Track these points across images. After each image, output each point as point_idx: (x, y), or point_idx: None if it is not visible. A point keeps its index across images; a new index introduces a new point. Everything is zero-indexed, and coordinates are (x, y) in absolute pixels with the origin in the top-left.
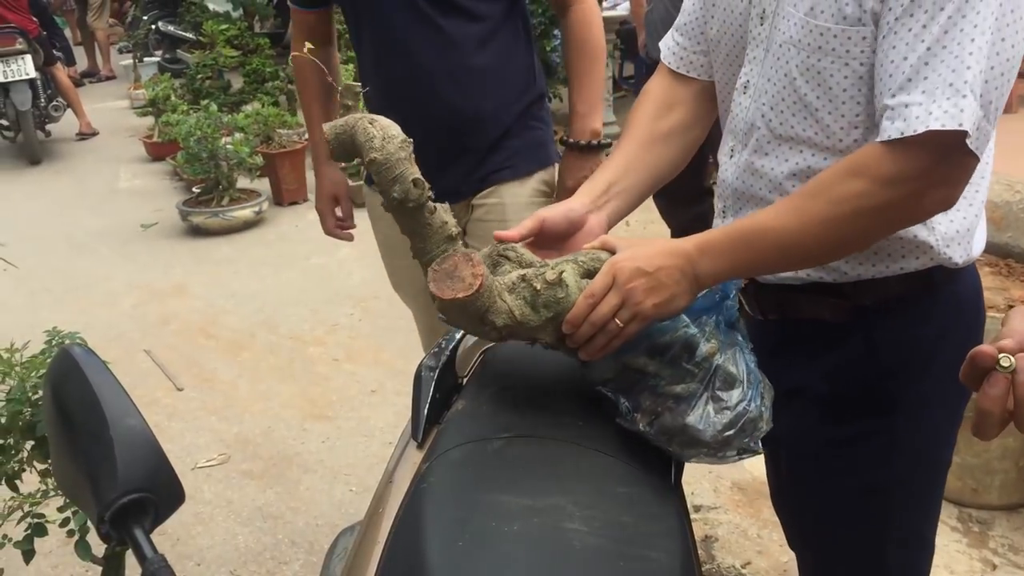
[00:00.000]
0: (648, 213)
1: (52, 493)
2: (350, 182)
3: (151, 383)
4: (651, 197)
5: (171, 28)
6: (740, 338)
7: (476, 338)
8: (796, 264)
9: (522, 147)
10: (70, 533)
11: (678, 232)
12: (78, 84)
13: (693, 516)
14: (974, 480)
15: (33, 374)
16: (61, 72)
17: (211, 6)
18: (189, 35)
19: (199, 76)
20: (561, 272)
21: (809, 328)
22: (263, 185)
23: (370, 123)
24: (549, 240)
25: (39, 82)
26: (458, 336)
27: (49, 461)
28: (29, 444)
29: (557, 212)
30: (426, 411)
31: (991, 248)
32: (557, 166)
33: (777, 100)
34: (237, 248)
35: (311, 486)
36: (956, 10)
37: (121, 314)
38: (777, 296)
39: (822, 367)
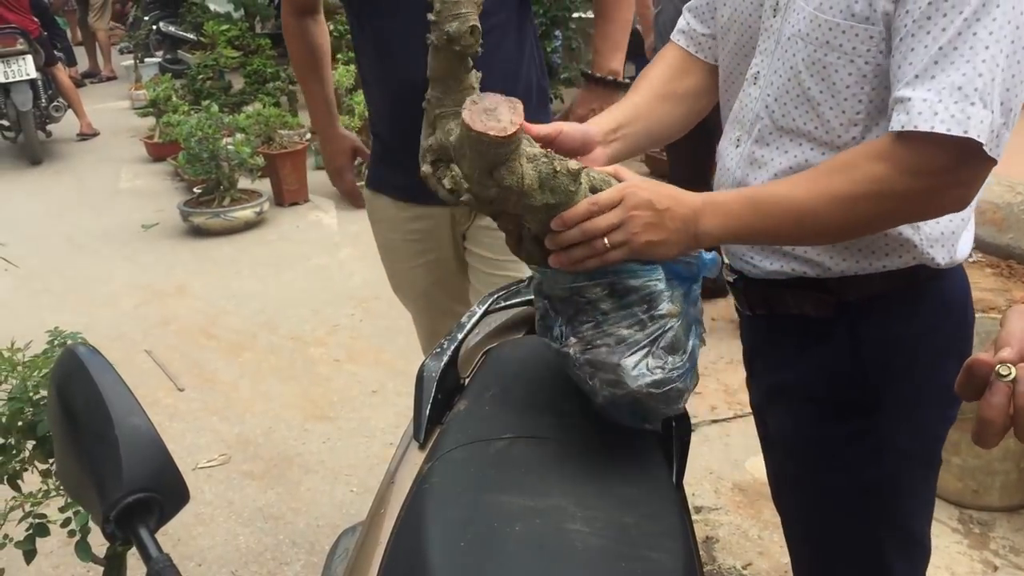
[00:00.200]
0: None
1: (54, 493)
2: None
3: (152, 383)
4: None
5: (172, 29)
6: (697, 321)
7: (478, 339)
8: (805, 237)
9: None
10: (71, 533)
11: None
12: (79, 84)
13: (694, 517)
14: (975, 481)
15: (35, 374)
16: (62, 72)
17: (212, 7)
18: (190, 36)
19: (200, 77)
20: (583, 169)
21: (795, 323)
22: (264, 186)
23: None
24: (560, 151)
25: (40, 82)
26: (460, 336)
27: (51, 461)
28: (30, 444)
29: (576, 128)
30: (428, 411)
31: (992, 250)
32: None
33: (782, 92)
34: (238, 249)
35: (312, 487)
36: (972, 14)
37: (122, 314)
38: (764, 291)
39: (809, 363)
